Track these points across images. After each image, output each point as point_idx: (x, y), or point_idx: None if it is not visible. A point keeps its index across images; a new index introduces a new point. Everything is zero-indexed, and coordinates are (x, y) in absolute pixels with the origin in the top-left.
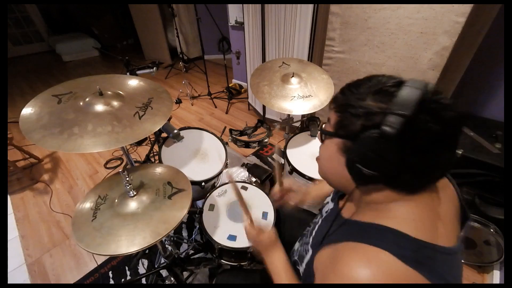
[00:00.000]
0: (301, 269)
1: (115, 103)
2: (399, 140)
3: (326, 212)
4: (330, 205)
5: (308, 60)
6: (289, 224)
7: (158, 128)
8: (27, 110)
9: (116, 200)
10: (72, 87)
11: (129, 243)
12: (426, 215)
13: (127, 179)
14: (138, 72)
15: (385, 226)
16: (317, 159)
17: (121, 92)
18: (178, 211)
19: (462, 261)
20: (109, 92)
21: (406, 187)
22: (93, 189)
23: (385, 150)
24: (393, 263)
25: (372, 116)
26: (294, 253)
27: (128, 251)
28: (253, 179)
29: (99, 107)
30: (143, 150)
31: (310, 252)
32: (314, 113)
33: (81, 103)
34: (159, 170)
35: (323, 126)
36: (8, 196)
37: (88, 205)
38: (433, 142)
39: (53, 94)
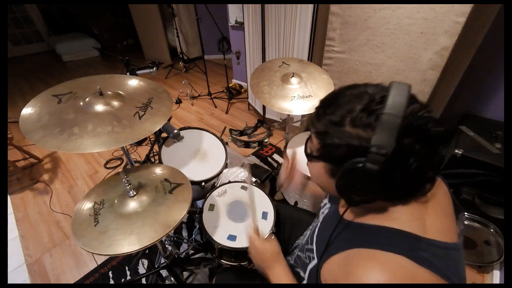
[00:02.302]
0: (305, 276)
1: (115, 103)
2: (384, 172)
3: (323, 213)
4: (328, 205)
5: (308, 60)
6: (289, 224)
7: (158, 128)
8: (27, 110)
9: (116, 202)
10: (72, 87)
11: (140, 239)
12: (427, 212)
13: (127, 179)
14: (138, 72)
15: (393, 228)
16: (308, 166)
17: (121, 92)
18: (182, 203)
19: None
20: (109, 92)
21: (399, 198)
22: (88, 194)
23: (371, 180)
24: (410, 267)
25: (353, 147)
26: (294, 259)
27: (142, 246)
28: (253, 179)
29: (99, 107)
30: (143, 150)
31: (316, 261)
32: None
33: (81, 103)
34: (153, 170)
35: (308, 144)
36: (8, 196)
37: (86, 211)
38: (420, 160)
39: (53, 94)
